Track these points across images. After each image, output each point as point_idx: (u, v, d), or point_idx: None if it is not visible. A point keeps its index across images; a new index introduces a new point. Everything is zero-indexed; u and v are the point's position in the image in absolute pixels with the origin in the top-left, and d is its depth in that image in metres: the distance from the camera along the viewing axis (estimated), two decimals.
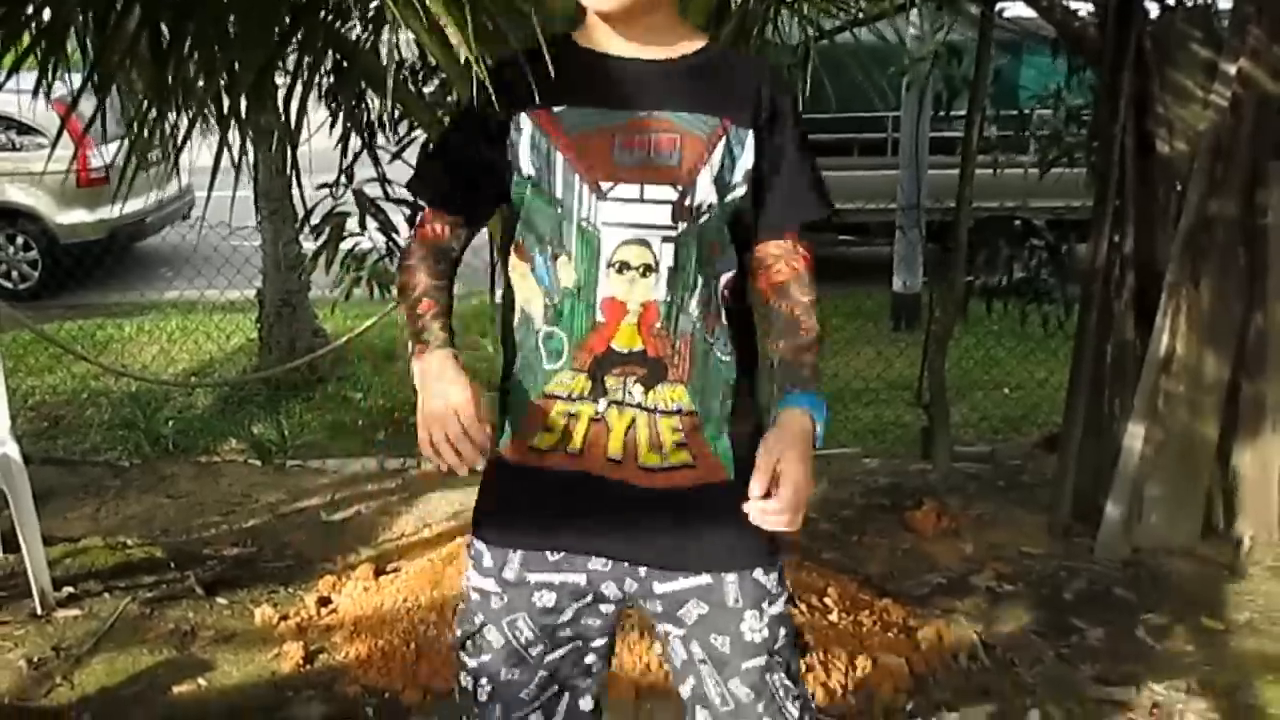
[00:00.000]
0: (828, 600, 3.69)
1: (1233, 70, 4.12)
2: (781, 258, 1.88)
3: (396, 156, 4.59)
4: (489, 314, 5.88)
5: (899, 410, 6.08)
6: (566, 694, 2.03)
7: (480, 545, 1.97)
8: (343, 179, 4.56)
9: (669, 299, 1.79)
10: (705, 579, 1.89)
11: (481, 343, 5.69)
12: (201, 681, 3.52)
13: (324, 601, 3.94)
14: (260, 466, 5.51)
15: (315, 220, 4.67)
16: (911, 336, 7.47)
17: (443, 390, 1.76)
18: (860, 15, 4.38)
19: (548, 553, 1.91)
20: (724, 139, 1.79)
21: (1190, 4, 4.43)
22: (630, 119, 1.78)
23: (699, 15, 3.04)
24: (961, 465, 5.13)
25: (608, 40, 1.81)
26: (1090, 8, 4.46)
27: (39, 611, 3.88)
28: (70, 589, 4.02)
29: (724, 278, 1.86)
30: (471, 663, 2.00)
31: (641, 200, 1.76)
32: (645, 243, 1.77)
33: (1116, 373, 4.38)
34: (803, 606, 3.60)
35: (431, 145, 1.99)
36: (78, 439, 6.03)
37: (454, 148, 1.95)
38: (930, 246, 8.03)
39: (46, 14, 3.14)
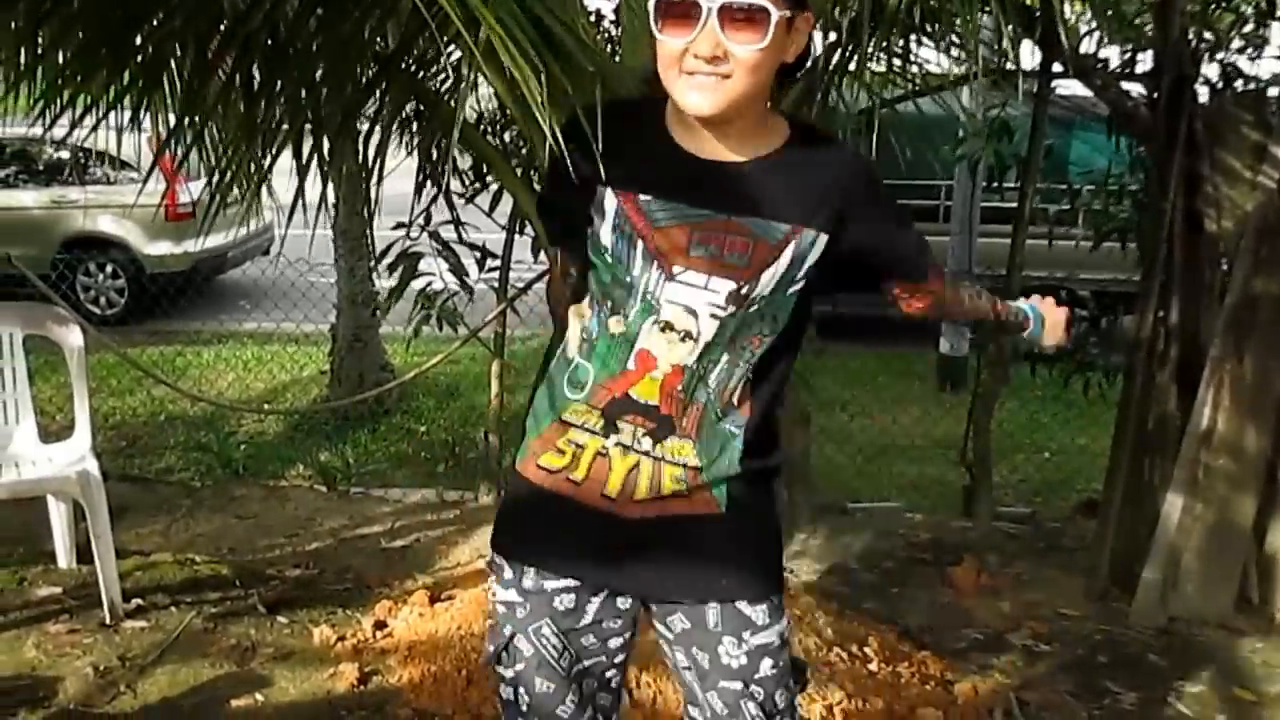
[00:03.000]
0: (868, 650, 3.76)
1: None
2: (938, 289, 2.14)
3: (470, 201, 4.72)
4: None
5: (942, 468, 6.12)
6: (599, 715, 2.13)
7: (499, 559, 2.08)
8: (418, 221, 4.68)
9: (695, 368, 1.90)
10: (690, 600, 2.00)
11: None
12: (259, 696, 3.61)
13: (380, 625, 4.04)
14: (325, 492, 5.63)
15: (389, 259, 4.80)
16: (957, 397, 7.52)
17: None
18: (921, 86, 4.46)
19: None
20: (793, 243, 1.87)
21: (1241, 88, 4.51)
22: (709, 219, 1.86)
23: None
24: (1002, 525, 5.18)
25: (693, 137, 1.89)
26: (1143, 88, 4.54)
27: (108, 621, 4.00)
28: (139, 601, 4.15)
29: (759, 349, 1.94)
30: (508, 673, 2.08)
31: (705, 287, 1.87)
32: (694, 313, 1.88)
33: (1157, 443, 4.44)
34: (843, 654, 3.68)
35: (544, 195, 2.11)
36: (154, 459, 6.20)
37: (563, 195, 2.01)
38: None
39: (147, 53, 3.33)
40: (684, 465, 1.93)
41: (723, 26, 1.75)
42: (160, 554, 4.59)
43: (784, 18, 1.77)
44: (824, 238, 1.89)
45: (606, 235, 1.91)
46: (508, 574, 2.06)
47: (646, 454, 1.93)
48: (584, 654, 2.06)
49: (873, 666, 3.68)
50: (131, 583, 4.25)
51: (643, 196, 1.89)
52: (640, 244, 1.89)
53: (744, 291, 1.87)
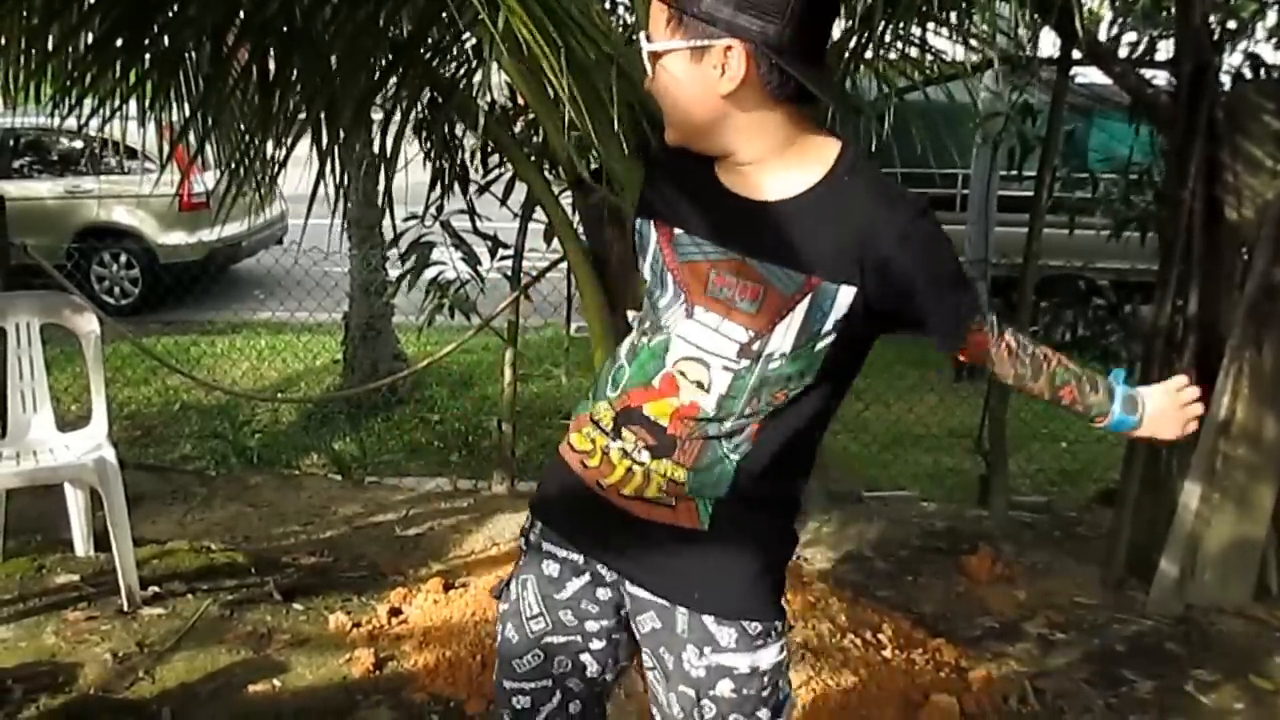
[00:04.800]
0: (882, 637, 3.77)
1: None
2: (984, 354, 2.01)
3: (484, 190, 4.71)
4: (564, 345, 6.00)
5: (958, 457, 6.13)
6: (558, 692, 2.12)
7: (530, 510, 2.16)
8: (431, 210, 4.67)
9: (712, 414, 1.88)
10: (663, 600, 1.99)
11: (555, 373, 5.80)
12: (276, 682, 3.64)
13: (395, 612, 4.06)
14: (340, 481, 5.64)
15: (402, 248, 4.80)
16: (973, 386, 7.47)
17: None
18: (937, 74, 4.43)
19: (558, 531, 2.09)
20: (809, 296, 1.80)
21: (1264, 76, 4.49)
22: (727, 258, 1.84)
23: None
24: (1018, 514, 5.17)
25: (730, 172, 1.86)
26: (1164, 76, 4.53)
27: (125, 608, 4.02)
28: (156, 588, 4.17)
29: (784, 403, 1.89)
30: (501, 607, 2.16)
31: (717, 331, 1.85)
32: (705, 364, 1.87)
33: None
34: (856, 641, 3.68)
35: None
36: (169, 448, 6.21)
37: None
38: (995, 300, 8.06)
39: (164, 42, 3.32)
40: (671, 481, 1.92)
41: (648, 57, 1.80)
42: (176, 542, 4.60)
43: (679, 50, 1.75)
44: (849, 290, 1.80)
45: (646, 262, 1.95)
46: (527, 523, 2.14)
47: (641, 465, 1.93)
48: (559, 628, 2.08)
49: (887, 653, 3.69)
50: (148, 570, 4.27)
51: (676, 231, 1.90)
52: (670, 277, 1.90)
53: (756, 346, 1.83)
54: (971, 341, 1.98)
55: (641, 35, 1.79)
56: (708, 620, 1.96)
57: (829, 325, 1.82)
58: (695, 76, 1.76)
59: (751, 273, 1.82)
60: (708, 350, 1.86)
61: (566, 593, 2.07)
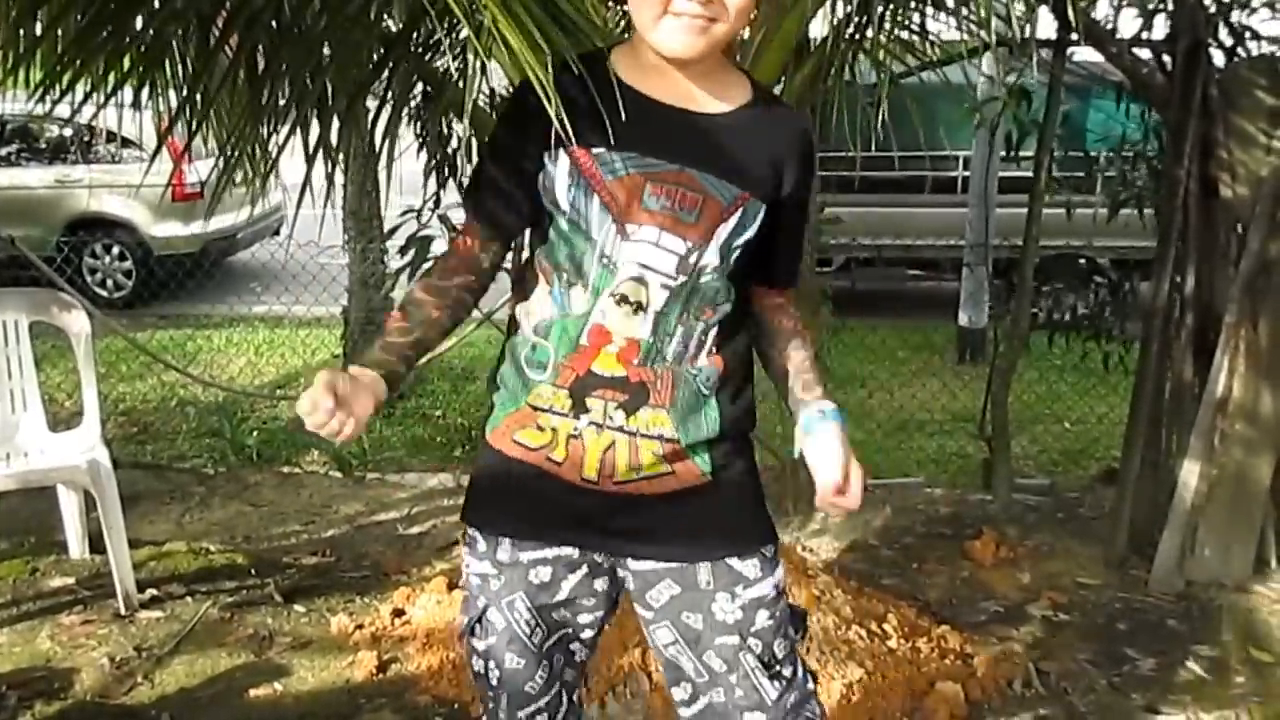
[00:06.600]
0: (887, 626, 3.74)
1: None
2: (777, 310, 2.06)
3: None
4: None
5: (961, 441, 6.13)
6: (562, 691, 2.12)
7: (473, 531, 2.04)
8: (429, 204, 4.64)
9: (650, 339, 1.86)
10: (679, 564, 1.97)
11: None
12: (277, 686, 3.60)
13: (398, 613, 4.02)
14: (340, 478, 5.60)
15: (400, 241, 4.76)
16: (975, 370, 7.51)
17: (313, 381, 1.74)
18: (935, 58, 4.40)
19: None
20: (740, 210, 1.85)
21: (1256, 53, 4.46)
22: (663, 170, 1.82)
23: (777, 58, 3.12)
24: (1021, 497, 5.15)
25: (653, 81, 1.85)
26: (1159, 54, 4.50)
27: (123, 612, 3.99)
28: (153, 591, 4.13)
29: (714, 319, 1.91)
30: (480, 645, 2.06)
31: (657, 245, 1.83)
32: (644, 282, 1.84)
33: (1175, 410, 4.42)
34: (862, 632, 3.65)
35: (478, 163, 2.04)
36: (165, 446, 6.15)
37: (495, 168, 1.97)
38: (996, 283, 8.07)
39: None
40: (660, 438, 1.88)
41: None
42: (174, 543, 4.56)
43: None
44: (765, 210, 1.89)
45: (563, 194, 1.85)
46: (482, 546, 2.03)
47: (620, 430, 1.88)
48: (553, 629, 2.05)
49: (892, 643, 3.66)
50: (146, 572, 4.24)
51: (595, 150, 1.83)
52: (595, 197, 1.83)
53: (693, 259, 1.84)
54: (789, 307, 2.08)
55: None
56: (731, 561, 1.96)
57: (742, 240, 1.88)
58: None
59: (692, 182, 1.83)
60: (650, 267, 1.84)
61: (563, 593, 2.02)
